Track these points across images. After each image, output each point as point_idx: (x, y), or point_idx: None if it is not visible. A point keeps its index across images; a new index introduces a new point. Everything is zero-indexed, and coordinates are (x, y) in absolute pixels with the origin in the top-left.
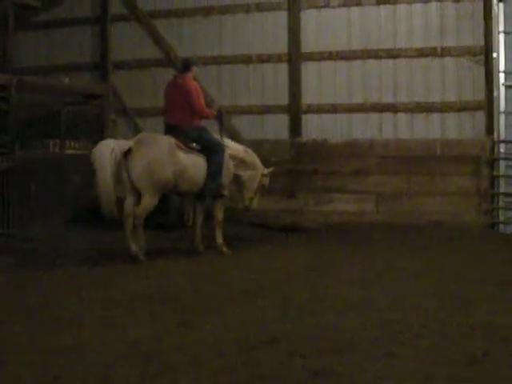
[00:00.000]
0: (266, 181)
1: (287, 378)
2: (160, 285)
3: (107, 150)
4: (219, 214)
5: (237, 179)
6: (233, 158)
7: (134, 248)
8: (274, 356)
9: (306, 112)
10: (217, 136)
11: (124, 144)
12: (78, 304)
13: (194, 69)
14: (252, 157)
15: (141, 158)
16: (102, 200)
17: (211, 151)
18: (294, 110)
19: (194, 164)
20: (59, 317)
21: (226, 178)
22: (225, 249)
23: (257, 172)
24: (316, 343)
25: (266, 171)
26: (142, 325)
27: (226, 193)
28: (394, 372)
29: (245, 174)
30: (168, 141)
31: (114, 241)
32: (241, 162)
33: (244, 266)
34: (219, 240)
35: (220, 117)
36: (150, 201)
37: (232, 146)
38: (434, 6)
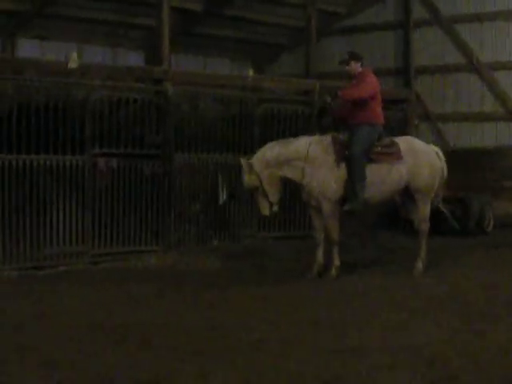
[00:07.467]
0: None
1: None
2: (452, 291)
3: None
4: None
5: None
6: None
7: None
8: None
9: None
10: None
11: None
12: (364, 306)
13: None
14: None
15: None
16: None
17: None
18: None
19: None
20: (345, 318)
21: None
22: None
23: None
24: None
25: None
26: (427, 330)
27: None
28: None
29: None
30: None
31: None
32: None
33: None
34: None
35: None
36: None
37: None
38: None
